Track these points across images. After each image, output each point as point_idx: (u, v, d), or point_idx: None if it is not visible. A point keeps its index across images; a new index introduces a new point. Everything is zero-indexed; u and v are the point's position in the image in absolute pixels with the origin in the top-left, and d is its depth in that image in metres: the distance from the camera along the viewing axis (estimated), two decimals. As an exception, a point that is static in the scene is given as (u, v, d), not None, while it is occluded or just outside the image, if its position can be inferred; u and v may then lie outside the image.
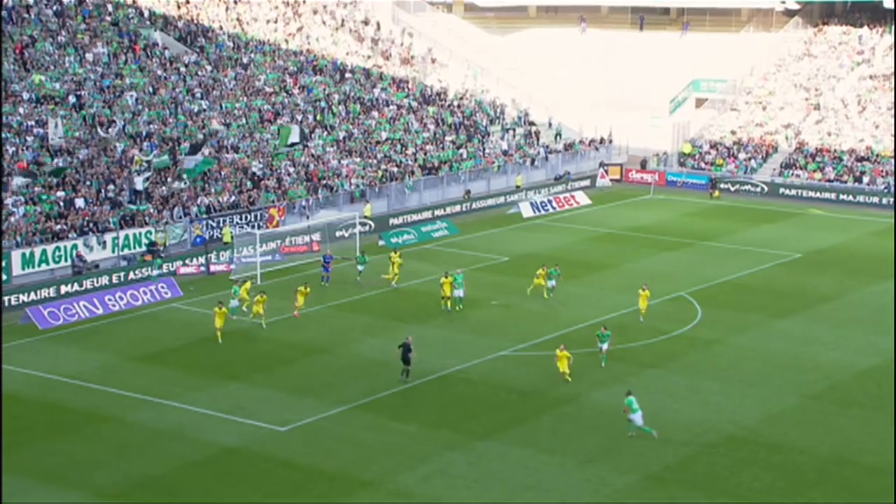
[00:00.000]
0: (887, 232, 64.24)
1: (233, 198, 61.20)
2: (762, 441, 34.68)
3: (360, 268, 53.71)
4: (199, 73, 72.65)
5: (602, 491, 31.42)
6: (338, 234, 61.46)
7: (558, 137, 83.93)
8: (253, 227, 58.91)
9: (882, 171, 73.48)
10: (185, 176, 60.45)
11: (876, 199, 71.27)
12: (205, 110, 68.84)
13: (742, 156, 79.43)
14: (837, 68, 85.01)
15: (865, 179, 73.46)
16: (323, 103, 75.07)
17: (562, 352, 39.52)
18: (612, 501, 30.80)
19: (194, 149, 61.27)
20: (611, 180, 79.21)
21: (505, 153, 77.87)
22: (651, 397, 37.78)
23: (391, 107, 78.19)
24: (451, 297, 48.30)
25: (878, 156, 75.23)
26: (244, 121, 69.50)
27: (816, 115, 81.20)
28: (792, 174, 76.12)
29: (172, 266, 54.61)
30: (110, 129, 61.85)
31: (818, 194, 72.97)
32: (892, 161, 74.00)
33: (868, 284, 52.67)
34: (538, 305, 49.37)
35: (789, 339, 44.72)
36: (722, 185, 76.03)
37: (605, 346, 41.30)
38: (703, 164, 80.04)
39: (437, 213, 68.10)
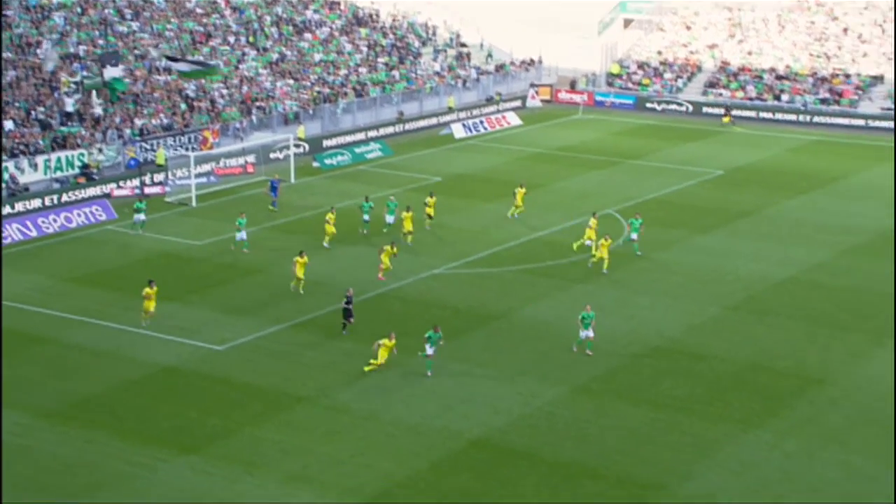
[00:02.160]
0: (804, 148, 65.11)
1: (166, 120, 59.93)
2: (684, 351, 35.30)
3: (365, 217, 47.81)
4: (130, -6, 70.64)
5: (532, 402, 31.78)
6: (272, 155, 60.62)
7: (489, 59, 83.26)
8: (187, 149, 57.82)
9: (800, 89, 74.15)
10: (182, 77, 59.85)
11: (793, 117, 71.99)
12: (135, 31, 66.97)
13: (668, 75, 79.60)
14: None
15: (784, 97, 74.12)
16: (255, 25, 73.44)
17: None
18: (543, 412, 31.19)
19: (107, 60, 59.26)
20: (541, 101, 78.99)
21: (437, 74, 77.10)
22: (579, 311, 38.13)
23: (324, 28, 76.78)
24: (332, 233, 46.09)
25: (796, 74, 75.84)
26: (176, 43, 67.79)
27: (739, 34, 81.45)
28: (715, 93, 76.52)
29: (106, 188, 53.52)
30: (47, 50, 60.03)
31: (741, 112, 73.54)
32: (809, 80, 74.71)
33: (785, 199, 53.44)
34: (469, 224, 49.34)
35: (711, 254, 45.35)
36: (648, 105, 76.23)
37: (589, 334, 35.11)
38: (630, 84, 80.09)
39: (371, 134, 67.42)
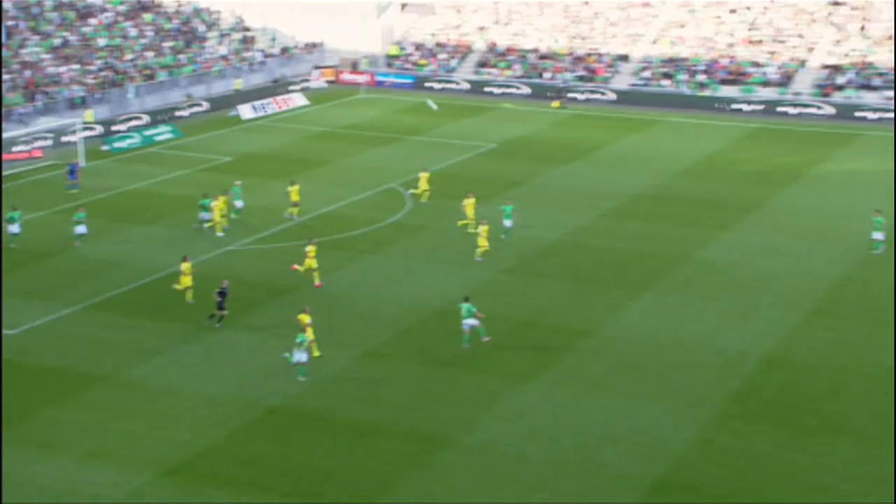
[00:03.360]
0: (565, 122, 67.42)
1: (-54, 107, 55.93)
2: (465, 312, 36.01)
3: (203, 215, 43.48)
4: None
5: (326, 368, 31.64)
6: (64, 139, 57.58)
7: (274, 42, 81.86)
8: (-30, 135, 54.08)
9: (561, 67, 76.65)
10: None
11: (555, 93, 74.33)
12: None
13: (442, 56, 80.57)
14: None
15: (547, 75, 76.46)
16: (35, 10, 69.29)
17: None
18: (336, 376, 31.16)
19: None
20: (325, 82, 78.40)
21: (223, 58, 75.17)
22: (369, 280, 38.34)
23: (107, 14, 73.33)
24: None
25: (556, 54, 78.34)
26: (-47, 28, 63.24)
27: (504, 17, 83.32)
28: (486, 72, 78.06)
29: None
30: None
31: (511, 90, 75.34)
32: (567, 59, 77.36)
33: (551, 169, 55.21)
34: (261, 201, 48.53)
35: (488, 222, 46.22)
36: (427, 84, 76.98)
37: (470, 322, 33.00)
38: (408, 65, 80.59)
39: (160, 117, 65.09)
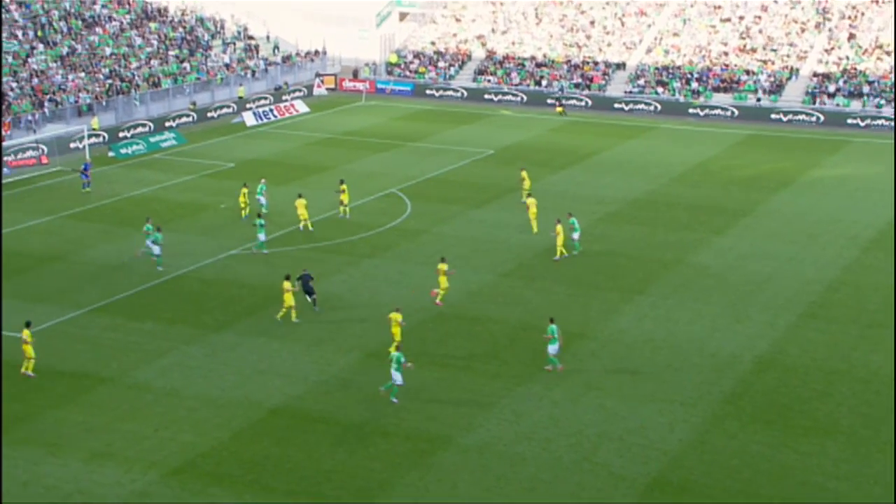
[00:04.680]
0: (562, 128, 67.45)
1: (-45, 114, 55.93)
2: (464, 315, 35.99)
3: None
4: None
5: (328, 370, 31.70)
6: (71, 145, 57.60)
7: (276, 50, 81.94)
8: (-22, 142, 54.13)
9: (557, 75, 76.71)
10: None
11: (553, 101, 74.40)
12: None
13: (441, 64, 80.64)
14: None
15: (544, 83, 76.53)
16: (43, 19, 69.36)
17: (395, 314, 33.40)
18: (337, 378, 31.16)
19: None
20: (326, 89, 78.46)
21: (227, 66, 75.24)
22: (368, 284, 38.35)
23: (113, 23, 73.40)
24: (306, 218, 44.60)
25: (552, 62, 78.41)
26: (-38, 37, 63.26)
27: (503, 26, 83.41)
28: (484, 80, 78.12)
29: None
30: None
31: (509, 97, 75.39)
32: (564, 67, 77.42)
33: (548, 174, 55.21)
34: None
35: (485, 226, 46.35)
36: (427, 91, 77.08)
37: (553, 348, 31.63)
38: (408, 73, 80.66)
39: (164, 124, 65.11)
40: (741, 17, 78.35)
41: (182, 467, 26.14)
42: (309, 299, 35.81)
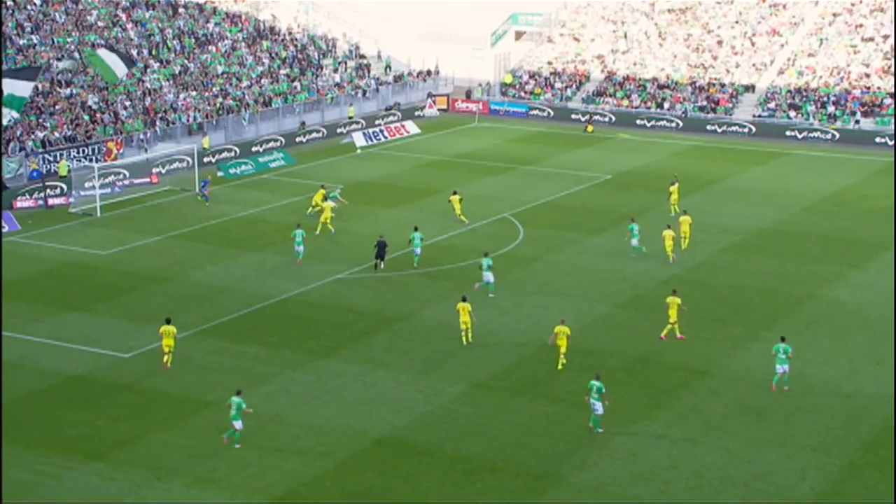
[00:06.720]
0: (684, 153, 66.55)
1: (69, 132, 58.38)
2: (577, 347, 35.51)
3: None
4: (28, 6, 68.58)
5: (434, 400, 31.82)
6: (181, 164, 59.57)
7: (388, 70, 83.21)
8: (91, 160, 56.39)
9: (680, 97, 75.81)
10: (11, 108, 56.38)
11: (675, 124, 73.54)
12: (35, 45, 65.12)
13: (558, 85, 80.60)
14: (640, 2, 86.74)
15: (666, 105, 75.72)
16: (157, 38, 72.10)
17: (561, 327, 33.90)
18: (444, 409, 31.25)
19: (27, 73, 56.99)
20: (438, 110, 79.21)
21: (337, 85, 76.75)
22: (478, 312, 38.33)
23: (226, 41, 75.79)
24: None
25: (676, 83, 77.52)
26: (78, 56, 66.12)
27: (623, 45, 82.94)
28: (602, 101, 77.74)
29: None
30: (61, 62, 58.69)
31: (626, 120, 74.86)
32: (688, 88, 76.44)
33: (668, 202, 54.42)
34: (371, 230, 49.17)
35: (601, 254, 45.98)
36: (541, 114, 77.11)
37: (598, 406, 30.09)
38: (523, 94, 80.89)
39: (274, 144, 66.74)
40: (885, 37, 76.05)
41: (285, 496, 26.53)
42: (377, 260, 41.44)
